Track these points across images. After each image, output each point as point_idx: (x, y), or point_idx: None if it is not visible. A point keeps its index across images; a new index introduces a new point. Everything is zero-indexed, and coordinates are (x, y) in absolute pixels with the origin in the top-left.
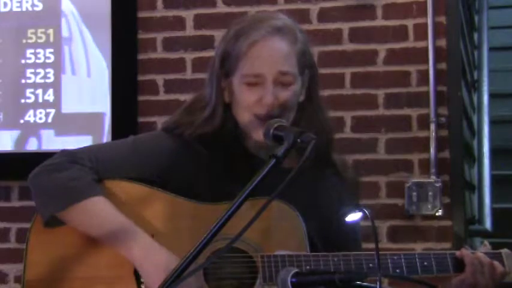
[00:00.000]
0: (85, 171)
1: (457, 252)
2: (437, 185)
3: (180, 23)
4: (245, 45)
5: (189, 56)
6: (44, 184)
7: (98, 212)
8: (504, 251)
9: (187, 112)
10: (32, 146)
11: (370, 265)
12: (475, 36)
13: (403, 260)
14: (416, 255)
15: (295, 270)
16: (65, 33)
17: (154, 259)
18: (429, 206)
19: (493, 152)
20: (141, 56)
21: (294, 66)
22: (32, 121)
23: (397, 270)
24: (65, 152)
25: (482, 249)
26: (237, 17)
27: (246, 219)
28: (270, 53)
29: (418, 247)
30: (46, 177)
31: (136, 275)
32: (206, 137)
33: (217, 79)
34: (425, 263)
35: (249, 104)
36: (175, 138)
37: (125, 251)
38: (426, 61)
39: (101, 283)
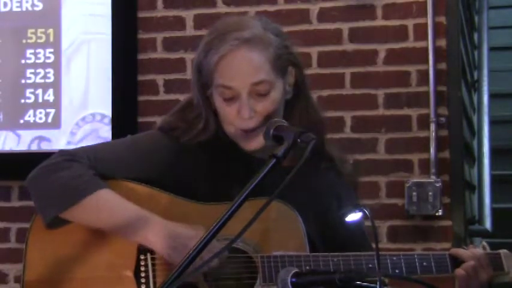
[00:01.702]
0: (85, 169)
1: (451, 250)
2: (437, 185)
3: (180, 23)
4: (214, 60)
5: (189, 56)
6: (44, 185)
7: (107, 204)
8: (503, 251)
9: (181, 115)
10: (32, 146)
11: (370, 265)
12: (475, 36)
13: (402, 261)
14: (416, 256)
15: (295, 270)
16: (65, 32)
17: (172, 240)
18: (429, 206)
19: (493, 152)
20: (141, 56)
21: (268, 72)
22: (32, 121)
23: (397, 271)
24: (62, 152)
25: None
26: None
27: (245, 220)
28: (239, 67)
29: (418, 247)
30: (46, 178)
31: (136, 275)
32: (203, 142)
33: (200, 89)
34: (425, 263)
35: (230, 118)
36: (173, 139)
37: (141, 239)
38: (426, 61)
39: (101, 283)
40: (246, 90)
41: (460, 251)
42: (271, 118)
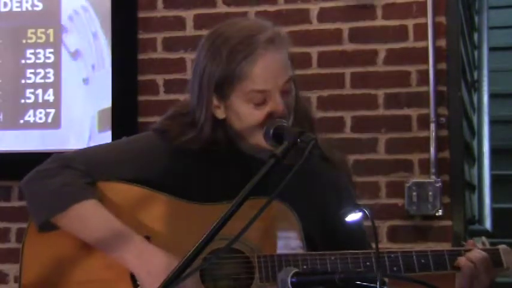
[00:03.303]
0: (78, 176)
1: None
2: (437, 185)
3: (180, 23)
4: (245, 67)
5: (189, 56)
6: (36, 190)
7: (89, 216)
8: (502, 247)
9: (175, 120)
10: (32, 146)
11: (368, 263)
12: (475, 36)
13: (400, 258)
14: (414, 253)
15: (295, 270)
16: (65, 32)
17: (150, 263)
18: (429, 206)
19: (493, 152)
20: (141, 56)
21: (290, 68)
22: (32, 121)
23: (395, 268)
24: (57, 157)
25: (480, 247)
26: (237, 17)
27: (244, 220)
28: (271, 68)
29: (418, 247)
30: (38, 183)
31: (133, 278)
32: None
33: (208, 101)
34: (423, 261)
35: (260, 122)
36: (167, 141)
37: (119, 257)
38: (426, 61)
39: (98, 286)
40: (278, 90)
41: (461, 263)
42: (292, 113)
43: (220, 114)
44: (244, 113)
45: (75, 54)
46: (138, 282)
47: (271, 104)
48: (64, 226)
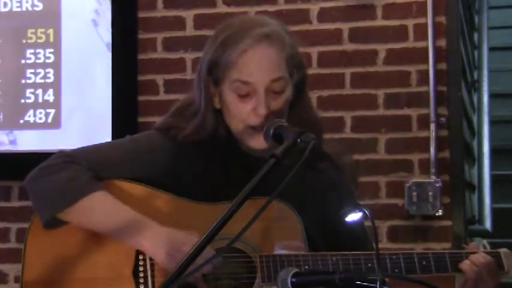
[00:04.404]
0: (83, 170)
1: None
2: (437, 185)
3: (180, 23)
4: (234, 55)
5: (189, 56)
6: (42, 186)
7: (101, 206)
8: (503, 250)
9: (178, 115)
10: (32, 146)
11: (369, 265)
12: (475, 36)
13: (401, 260)
14: (415, 255)
15: (295, 270)
16: (65, 32)
17: (167, 246)
18: (429, 206)
19: (493, 152)
20: (141, 56)
21: (284, 71)
22: (32, 121)
23: (396, 270)
24: (61, 153)
25: (480, 250)
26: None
27: (245, 219)
28: (260, 62)
29: (418, 247)
30: (44, 179)
31: (135, 276)
32: (200, 142)
33: (206, 87)
34: (424, 263)
35: (242, 115)
36: (170, 139)
37: (135, 243)
38: (426, 61)
39: (100, 284)
40: (264, 86)
41: (465, 267)
42: (281, 117)
43: (216, 103)
44: (231, 103)
45: (109, 46)
46: (141, 281)
47: (254, 100)
48: (74, 220)
